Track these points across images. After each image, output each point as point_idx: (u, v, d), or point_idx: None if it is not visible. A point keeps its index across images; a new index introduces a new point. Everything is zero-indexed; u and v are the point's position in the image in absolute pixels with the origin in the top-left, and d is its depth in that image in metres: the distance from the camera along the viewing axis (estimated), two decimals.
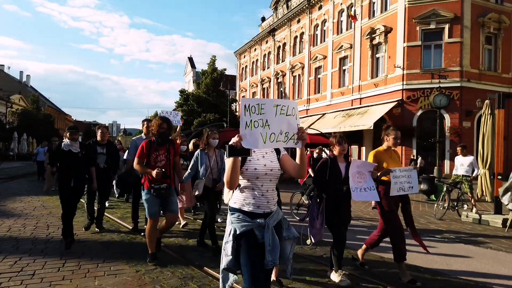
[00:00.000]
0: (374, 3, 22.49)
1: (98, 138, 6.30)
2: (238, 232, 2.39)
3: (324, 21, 27.15)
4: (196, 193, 5.05)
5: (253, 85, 38.43)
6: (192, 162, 5.22)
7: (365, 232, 6.47)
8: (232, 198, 2.56)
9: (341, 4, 25.10)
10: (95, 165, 5.80)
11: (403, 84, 19.78)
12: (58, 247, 5.12)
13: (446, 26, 19.11)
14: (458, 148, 8.63)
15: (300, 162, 2.49)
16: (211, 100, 32.12)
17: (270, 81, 34.78)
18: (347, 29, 24.67)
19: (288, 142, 2.37)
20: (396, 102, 19.93)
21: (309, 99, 28.63)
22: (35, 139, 38.49)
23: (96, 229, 6.17)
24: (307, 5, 28.57)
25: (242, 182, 2.49)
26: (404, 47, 19.85)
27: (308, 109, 28.51)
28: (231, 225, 2.46)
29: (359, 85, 23.08)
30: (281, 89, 33.11)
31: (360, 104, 22.88)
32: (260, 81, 36.58)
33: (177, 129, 7.26)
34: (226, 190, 2.65)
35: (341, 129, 22.25)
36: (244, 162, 2.46)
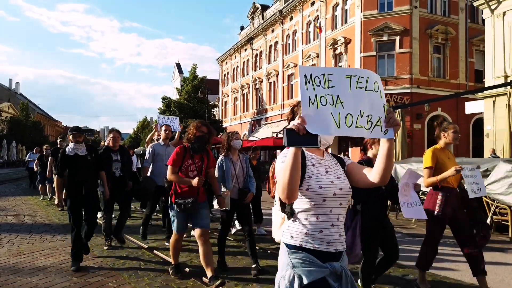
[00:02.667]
0: (336, 16, 24.42)
1: (110, 143, 5.63)
2: (306, 281, 1.74)
3: (294, 32, 29.04)
4: (224, 208, 4.32)
5: (234, 90, 40.21)
6: (217, 172, 4.44)
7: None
8: (288, 230, 1.86)
9: (309, 16, 27.02)
10: (104, 170, 5.11)
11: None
12: (29, 228, 6.85)
13: (397, 38, 21.07)
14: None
15: (386, 161, 1.73)
16: (192, 106, 33.84)
17: (249, 87, 36.58)
18: (314, 40, 26.56)
19: (374, 130, 1.69)
20: None
21: (283, 104, 30.46)
22: (24, 147, 39.90)
23: (113, 243, 5.59)
24: (279, 16, 30.46)
25: (302, 207, 1.81)
26: (361, 57, 21.77)
27: (283, 114, 30.32)
28: (292, 270, 1.78)
29: None
30: (259, 94, 34.93)
31: None
32: (240, 87, 38.36)
33: (176, 136, 6.78)
34: (275, 221, 2.00)
35: None
36: (302, 179, 1.78)
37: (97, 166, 4.88)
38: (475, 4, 15.89)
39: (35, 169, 11.91)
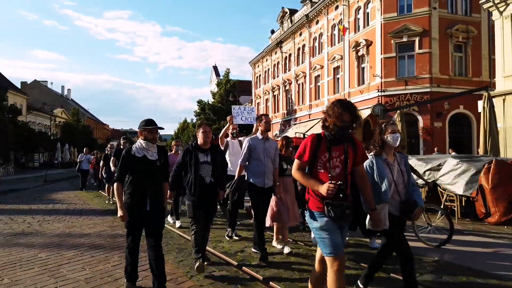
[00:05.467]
0: (358, 19, 25.30)
1: (200, 141, 4.43)
2: None
3: (320, 35, 30.13)
4: (380, 227, 3.13)
5: (266, 92, 41.80)
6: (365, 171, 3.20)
7: None
8: None
9: (333, 19, 28.03)
10: (167, 181, 4.00)
11: (381, 91, 22.49)
12: (80, 212, 8.94)
13: (417, 39, 21.67)
14: None
15: None
16: (225, 109, 35.83)
17: (279, 89, 38.02)
18: (338, 42, 27.54)
19: None
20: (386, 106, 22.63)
21: (311, 104, 31.64)
22: (76, 149, 43.85)
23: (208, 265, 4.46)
24: (306, 20, 31.65)
25: None
26: (381, 58, 22.56)
27: (310, 114, 31.53)
28: None
29: (349, 92, 25.93)
30: (289, 96, 36.28)
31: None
32: (271, 88, 39.90)
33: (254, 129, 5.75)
34: None
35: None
36: None
37: (164, 173, 3.82)
38: (484, 6, 16.38)
39: (100, 170, 11.44)
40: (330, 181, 2.71)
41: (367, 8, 24.32)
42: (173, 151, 8.00)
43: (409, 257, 3.28)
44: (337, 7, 27.55)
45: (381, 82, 22.49)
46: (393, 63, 22.31)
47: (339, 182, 2.73)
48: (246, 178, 5.03)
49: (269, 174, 4.92)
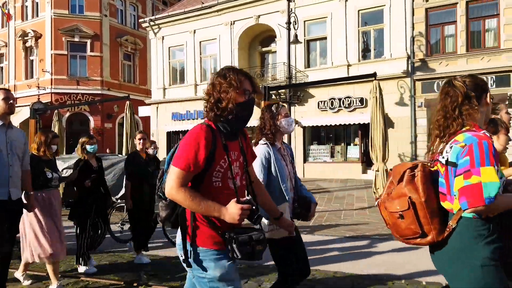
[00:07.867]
0: (27, 7, 23.22)
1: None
2: None
3: None
4: (281, 234, 2.43)
5: None
6: (260, 168, 2.51)
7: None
8: None
9: None
10: None
11: (51, 88, 21.62)
12: None
13: (88, 41, 22.29)
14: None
15: None
16: None
17: None
18: (2, 27, 24.24)
19: None
20: (48, 104, 21.53)
21: None
22: None
23: None
24: None
25: None
26: (52, 54, 21.70)
27: None
28: None
29: (15, 84, 23.32)
30: None
31: (16, 103, 23.05)
32: None
33: None
34: None
35: None
36: None
37: None
38: (143, 25, 19.10)
39: None
40: (236, 200, 1.70)
41: None
42: None
43: (305, 273, 2.61)
44: None
45: (52, 79, 21.69)
46: (64, 61, 21.99)
47: (248, 198, 1.79)
48: None
49: (17, 179, 3.24)
